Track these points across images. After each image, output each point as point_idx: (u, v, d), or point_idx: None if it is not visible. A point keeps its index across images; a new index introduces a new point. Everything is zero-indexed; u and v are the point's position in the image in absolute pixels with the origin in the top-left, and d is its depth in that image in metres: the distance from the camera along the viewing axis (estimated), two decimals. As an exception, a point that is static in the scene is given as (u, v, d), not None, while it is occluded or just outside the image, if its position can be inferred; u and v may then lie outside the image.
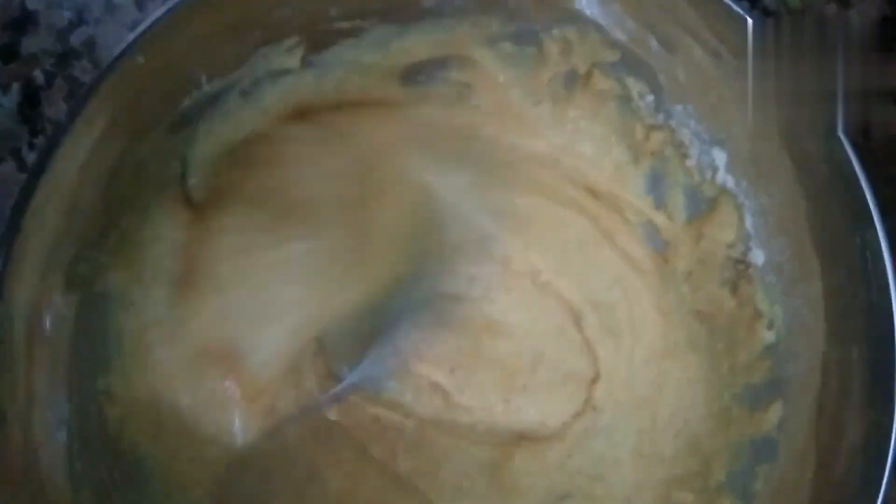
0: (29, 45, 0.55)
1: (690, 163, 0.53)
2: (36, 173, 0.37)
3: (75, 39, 0.55)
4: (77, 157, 0.40)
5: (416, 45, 0.51)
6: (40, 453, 0.41)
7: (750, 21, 0.43)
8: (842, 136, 0.42)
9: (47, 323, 0.42)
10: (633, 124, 0.53)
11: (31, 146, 0.55)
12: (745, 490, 0.50)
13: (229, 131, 0.49)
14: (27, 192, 0.37)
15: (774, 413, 0.50)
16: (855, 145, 0.42)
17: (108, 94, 0.39)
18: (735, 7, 0.44)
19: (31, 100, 0.55)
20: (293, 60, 0.49)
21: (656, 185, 0.54)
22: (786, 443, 0.49)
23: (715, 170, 0.52)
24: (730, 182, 0.52)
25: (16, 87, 0.55)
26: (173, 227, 0.48)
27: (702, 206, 0.53)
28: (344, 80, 0.51)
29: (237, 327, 0.49)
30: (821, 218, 0.47)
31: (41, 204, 0.38)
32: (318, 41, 0.49)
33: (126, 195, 0.45)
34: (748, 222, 0.51)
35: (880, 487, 0.42)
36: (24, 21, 0.55)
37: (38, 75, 0.55)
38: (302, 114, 0.51)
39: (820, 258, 0.47)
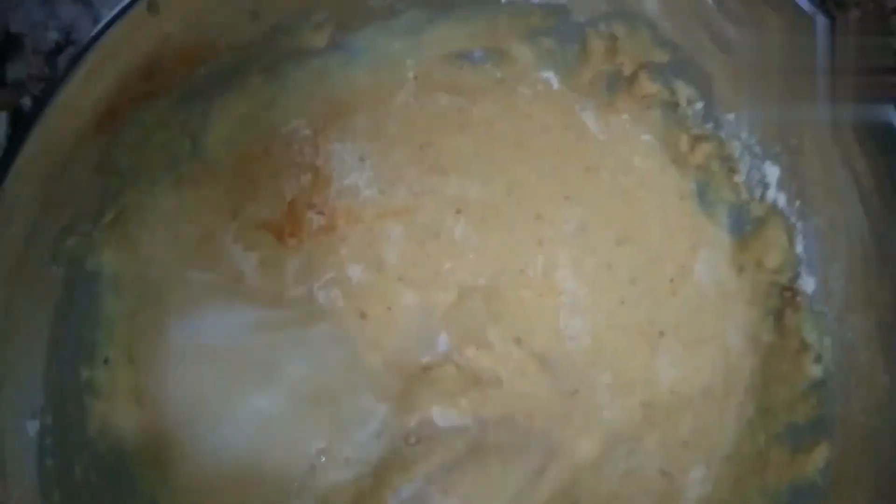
0: (15, 71, 0.49)
1: (738, 178, 0.47)
2: (26, 126, 0.32)
3: (64, 62, 0.49)
4: (72, 116, 0.34)
5: (450, 34, 0.46)
6: (6, 444, 0.35)
7: (820, 18, 0.38)
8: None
9: (26, 297, 0.36)
10: (678, 134, 0.48)
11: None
12: (786, 542, 0.44)
13: (247, 110, 0.43)
14: (15, 146, 0.32)
15: (819, 455, 0.44)
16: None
17: (113, 49, 0.34)
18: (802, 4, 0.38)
19: (21, 129, 0.49)
20: (319, 39, 0.43)
21: (699, 202, 0.48)
22: (833, 488, 0.43)
23: (766, 187, 0.46)
24: (781, 200, 0.46)
25: (4, 116, 0.48)
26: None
27: (747, 227, 0.48)
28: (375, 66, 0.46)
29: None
30: (883, 241, 0.41)
31: (30, 160, 0.33)
32: (348, 19, 0.43)
33: (127, 168, 0.40)
34: (799, 246, 0.45)
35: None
36: (8, 46, 0.49)
37: (27, 102, 0.49)
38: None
39: (878, 286, 0.41)
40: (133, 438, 0.43)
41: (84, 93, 0.35)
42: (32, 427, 0.37)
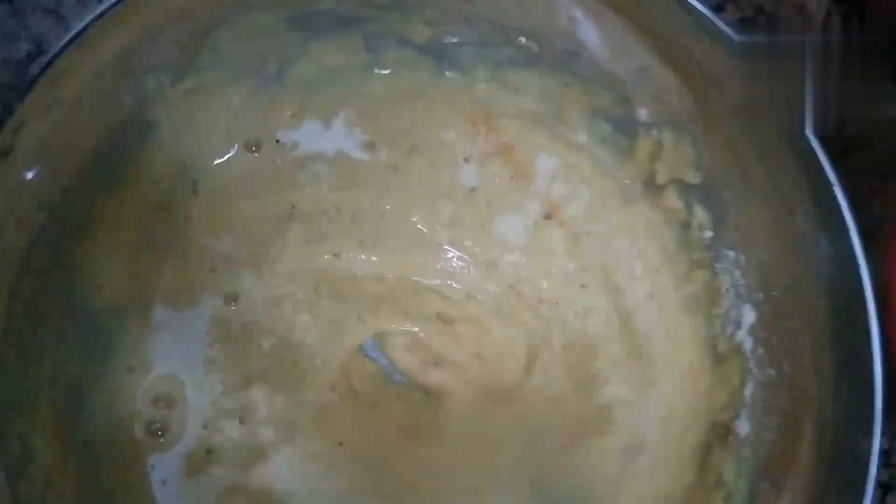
0: (-17, 80, 0.48)
1: (716, 311, 0.50)
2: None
3: (36, 70, 0.45)
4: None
5: (525, 83, 0.51)
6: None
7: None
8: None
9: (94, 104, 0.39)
10: (680, 255, 0.51)
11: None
12: None
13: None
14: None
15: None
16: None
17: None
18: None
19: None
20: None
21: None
22: None
23: (737, 326, 0.49)
24: (747, 344, 0.48)
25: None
26: None
27: (706, 360, 0.50)
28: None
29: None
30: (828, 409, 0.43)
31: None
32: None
33: (218, 52, 0.44)
34: (747, 390, 0.48)
35: None
36: (-21, 55, 0.48)
37: (-2, 110, 0.47)
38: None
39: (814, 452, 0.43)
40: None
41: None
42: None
